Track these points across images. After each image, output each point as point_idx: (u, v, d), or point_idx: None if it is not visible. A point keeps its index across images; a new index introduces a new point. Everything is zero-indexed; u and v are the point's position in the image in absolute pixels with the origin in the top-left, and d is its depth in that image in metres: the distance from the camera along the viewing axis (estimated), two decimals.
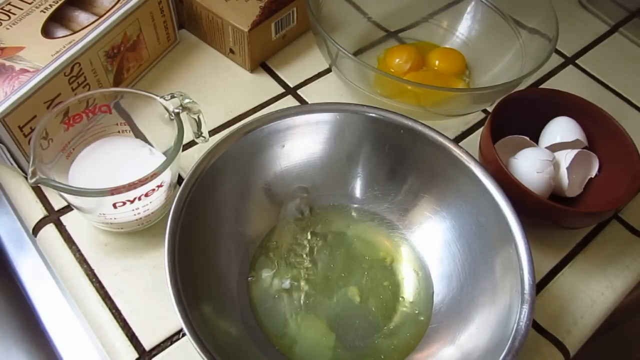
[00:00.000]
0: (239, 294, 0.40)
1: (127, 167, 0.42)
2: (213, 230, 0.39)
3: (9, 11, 0.45)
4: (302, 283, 0.41)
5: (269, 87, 0.55)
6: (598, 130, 0.47)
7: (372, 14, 0.59)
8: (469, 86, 0.55)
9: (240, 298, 0.40)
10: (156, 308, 0.40)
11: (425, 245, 0.43)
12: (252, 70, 0.56)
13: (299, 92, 0.55)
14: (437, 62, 0.56)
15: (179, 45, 0.56)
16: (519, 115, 0.46)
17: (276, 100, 0.54)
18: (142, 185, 0.37)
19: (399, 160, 0.43)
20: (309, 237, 0.44)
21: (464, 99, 0.49)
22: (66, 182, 0.41)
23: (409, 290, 0.42)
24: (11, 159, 0.43)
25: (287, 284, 0.41)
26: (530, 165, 0.44)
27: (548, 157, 0.45)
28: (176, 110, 0.41)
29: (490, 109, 0.49)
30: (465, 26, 0.58)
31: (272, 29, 0.54)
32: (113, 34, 0.46)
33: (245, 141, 0.40)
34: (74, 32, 0.44)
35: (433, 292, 0.41)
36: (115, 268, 0.42)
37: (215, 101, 0.53)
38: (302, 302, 0.40)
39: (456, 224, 0.41)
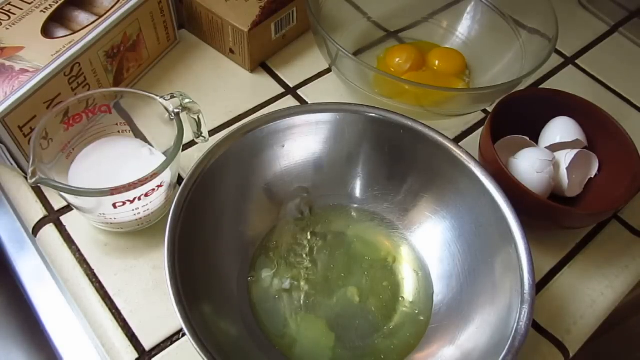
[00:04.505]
0: (239, 294, 0.40)
1: (127, 167, 0.42)
2: (213, 230, 0.39)
3: (8, 11, 0.45)
4: (302, 283, 0.41)
5: (269, 87, 0.55)
6: (598, 130, 0.47)
7: (372, 14, 0.59)
8: (469, 86, 0.55)
9: (240, 298, 0.40)
10: (156, 308, 0.40)
11: (425, 245, 0.43)
12: (252, 70, 0.56)
13: (299, 92, 0.55)
14: (436, 62, 0.56)
15: (179, 45, 0.56)
16: (519, 115, 0.46)
17: (276, 100, 0.54)
18: (142, 185, 0.37)
19: (399, 160, 0.43)
20: (309, 237, 0.44)
21: (463, 99, 0.49)
22: (66, 182, 0.41)
23: (408, 290, 0.42)
24: (11, 159, 0.43)
25: (287, 284, 0.41)
26: (530, 165, 0.44)
27: (548, 157, 0.45)
28: (176, 110, 0.41)
29: (490, 109, 0.49)
30: (465, 26, 0.58)
31: (272, 29, 0.54)
32: (113, 34, 0.46)
33: (245, 141, 0.40)
34: (74, 32, 0.44)
35: (433, 292, 0.41)
36: (115, 268, 0.42)
37: (215, 101, 0.53)
38: (302, 302, 0.40)
39: (456, 224, 0.41)
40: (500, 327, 0.35)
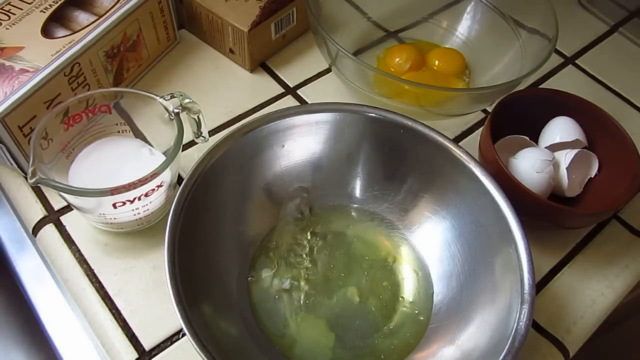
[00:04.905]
0: (239, 294, 0.40)
1: (127, 167, 0.42)
2: (213, 230, 0.39)
3: (8, 11, 0.45)
4: (302, 283, 0.41)
5: (269, 87, 0.55)
6: (598, 130, 0.47)
7: (372, 14, 0.59)
8: (468, 86, 0.55)
9: (240, 298, 0.40)
10: (156, 308, 0.40)
11: (425, 245, 0.43)
12: (252, 70, 0.56)
13: (298, 92, 0.55)
14: (436, 62, 0.56)
15: (179, 45, 0.56)
16: (519, 115, 0.46)
17: (276, 100, 0.54)
18: (142, 185, 0.37)
19: (399, 160, 0.43)
20: (309, 237, 0.44)
21: (463, 99, 0.49)
22: (66, 182, 0.41)
23: (408, 290, 0.42)
24: (11, 159, 0.43)
25: (287, 284, 0.41)
26: (530, 165, 0.44)
27: (548, 157, 0.45)
28: (176, 110, 0.41)
29: (490, 109, 0.49)
30: (465, 26, 0.58)
31: (272, 29, 0.54)
32: (113, 34, 0.46)
33: (245, 141, 0.40)
34: (74, 32, 0.44)
35: (433, 292, 0.41)
36: (115, 268, 0.42)
37: (215, 101, 0.53)
38: (302, 302, 0.40)
39: (456, 224, 0.41)
40: (500, 327, 0.35)
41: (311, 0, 0.49)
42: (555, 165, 0.46)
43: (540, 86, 0.58)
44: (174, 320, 0.33)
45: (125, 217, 0.40)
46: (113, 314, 0.40)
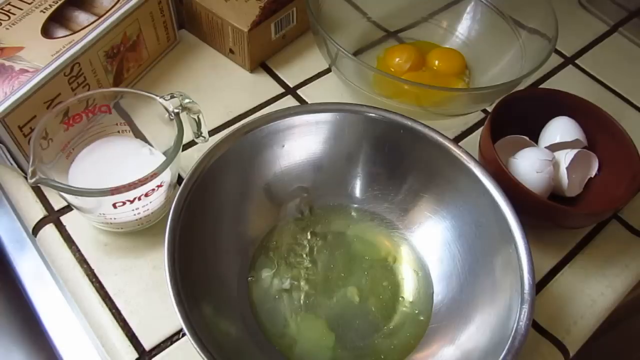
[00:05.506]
0: (239, 294, 0.40)
1: (127, 167, 0.42)
2: (213, 230, 0.39)
3: (8, 11, 0.45)
4: (302, 283, 0.41)
5: (268, 87, 0.55)
6: (598, 130, 0.47)
7: (372, 14, 0.59)
8: (468, 86, 0.55)
9: (240, 298, 0.40)
10: (156, 308, 0.40)
11: (425, 245, 0.43)
12: (252, 70, 0.56)
13: (298, 92, 0.55)
14: (436, 62, 0.56)
15: (179, 45, 0.56)
16: (518, 115, 0.47)
17: (276, 100, 0.54)
18: (142, 185, 0.37)
19: (399, 160, 0.43)
20: (309, 237, 0.44)
21: (463, 99, 0.49)
22: (66, 182, 0.41)
23: (408, 290, 0.42)
24: (11, 159, 0.43)
25: (287, 284, 0.41)
26: (530, 165, 0.44)
27: (548, 156, 0.45)
28: (176, 110, 0.41)
29: (490, 109, 0.49)
30: (465, 26, 0.58)
31: (271, 29, 0.54)
32: (113, 34, 0.46)
33: (245, 141, 0.40)
34: (74, 32, 0.44)
35: (433, 292, 0.41)
36: (115, 268, 0.42)
37: (215, 101, 0.53)
38: (302, 302, 0.40)
39: (456, 223, 0.41)
40: (500, 327, 0.35)
41: (311, 0, 0.49)
42: (555, 165, 0.46)
43: (540, 86, 0.58)
44: (174, 320, 0.33)
45: (125, 217, 0.40)
46: (113, 314, 0.40)
